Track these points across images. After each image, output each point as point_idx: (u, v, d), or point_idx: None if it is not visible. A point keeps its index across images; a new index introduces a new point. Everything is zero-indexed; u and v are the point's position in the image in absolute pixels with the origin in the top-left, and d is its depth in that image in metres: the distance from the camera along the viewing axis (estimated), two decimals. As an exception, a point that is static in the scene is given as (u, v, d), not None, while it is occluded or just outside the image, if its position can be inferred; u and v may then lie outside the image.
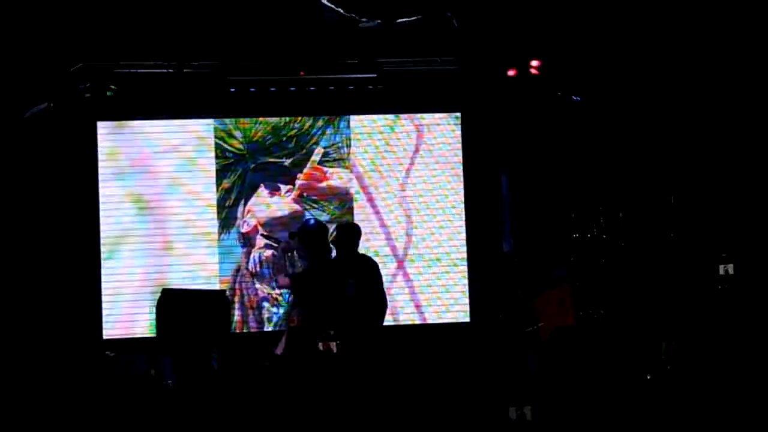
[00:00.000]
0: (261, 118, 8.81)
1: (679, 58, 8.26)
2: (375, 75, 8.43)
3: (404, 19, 5.14)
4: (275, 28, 8.07)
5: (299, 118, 8.87)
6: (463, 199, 8.96)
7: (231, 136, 8.80)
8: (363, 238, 8.81)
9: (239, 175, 8.79)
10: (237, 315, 8.67)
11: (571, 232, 8.87)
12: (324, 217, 8.77)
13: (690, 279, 8.37)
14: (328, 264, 6.77)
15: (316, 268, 6.69)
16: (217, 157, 8.76)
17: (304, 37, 8.22)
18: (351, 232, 6.94)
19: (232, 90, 8.45)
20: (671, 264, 8.52)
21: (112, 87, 8.14)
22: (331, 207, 8.89)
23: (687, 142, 8.57)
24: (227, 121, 8.79)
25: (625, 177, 8.79)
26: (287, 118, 8.85)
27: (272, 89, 8.52)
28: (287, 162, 8.85)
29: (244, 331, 8.67)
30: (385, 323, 8.75)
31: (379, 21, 5.47)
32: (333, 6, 5.15)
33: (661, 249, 8.62)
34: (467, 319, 8.91)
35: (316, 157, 8.88)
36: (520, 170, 8.97)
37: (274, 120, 8.84)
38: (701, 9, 7.89)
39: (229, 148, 8.79)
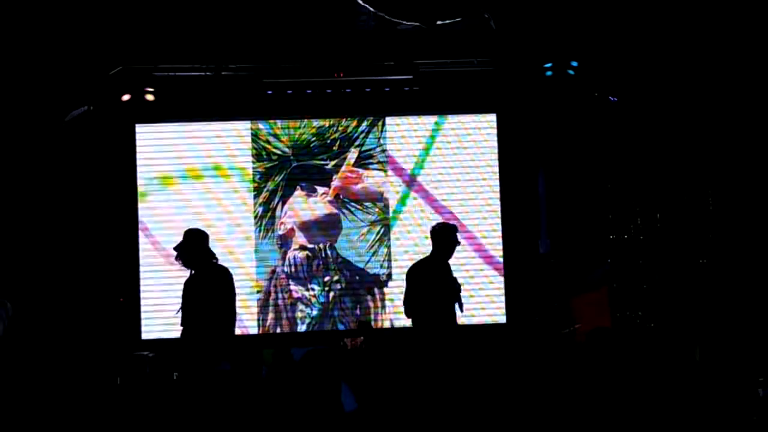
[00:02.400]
0: (306, 120, 8.87)
1: (719, 59, 8.18)
2: (411, 76, 8.45)
3: (444, 21, 5.13)
4: (311, 30, 8.10)
5: (343, 121, 8.91)
6: (499, 199, 8.94)
7: (276, 137, 8.86)
8: (398, 239, 8.93)
9: (282, 176, 8.84)
10: (270, 315, 8.72)
11: (608, 233, 8.82)
12: (366, 218, 8.84)
13: (727, 281, 8.29)
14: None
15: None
16: (258, 159, 8.82)
17: (340, 39, 8.24)
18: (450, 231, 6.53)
19: (269, 92, 8.50)
20: (709, 266, 8.45)
21: (152, 90, 8.23)
22: (368, 208, 8.91)
23: (725, 143, 8.49)
24: (273, 122, 8.84)
25: (662, 178, 8.72)
26: (331, 121, 8.89)
27: (308, 91, 8.56)
28: (330, 164, 8.89)
29: (277, 331, 8.72)
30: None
31: (417, 24, 5.44)
32: (369, 7, 5.13)
33: (698, 250, 8.55)
34: (503, 320, 8.88)
35: (351, 159, 8.91)
36: (557, 171, 8.93)
37: (318, 122, 8.89)
38: (742, 7, 7.80)
39: (273, 150, 8.85)
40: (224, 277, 5.97)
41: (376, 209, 8.92)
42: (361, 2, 5.03)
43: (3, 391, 6.42)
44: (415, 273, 6.41)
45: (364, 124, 8.94)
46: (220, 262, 6.16)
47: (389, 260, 8.85)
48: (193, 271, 6.06)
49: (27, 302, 8.08)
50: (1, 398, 6.35)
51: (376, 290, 8.84)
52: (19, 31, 7.60)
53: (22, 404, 6.54)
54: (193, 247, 5.99)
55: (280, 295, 8.78)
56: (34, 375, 7.42)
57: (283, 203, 8.85)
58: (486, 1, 5.74)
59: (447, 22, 5.21)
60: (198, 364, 5.84)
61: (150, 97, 8.24)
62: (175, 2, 7.52)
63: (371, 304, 8.82)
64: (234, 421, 5.96)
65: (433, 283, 6.25)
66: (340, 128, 8.92)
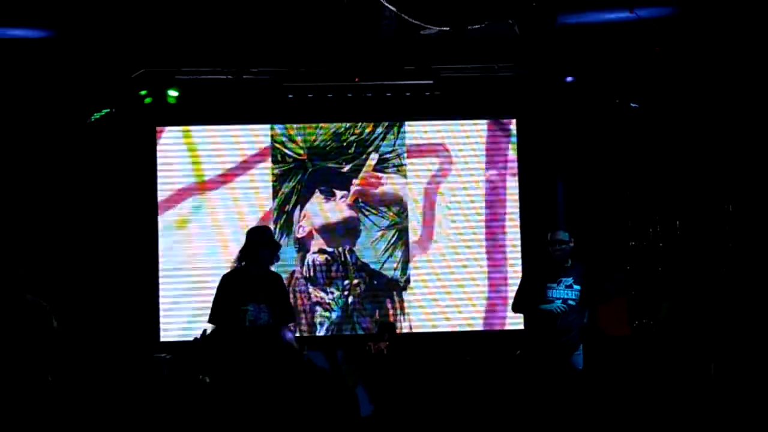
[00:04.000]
0: (322, 124, 8.87)
1: (740, 65, 8.15)
2: (432, 81, 8.45)
3: (473, 26, 5.12)
4: (333, 35, 8.10)
5: (359, 124, 8.92)
6: (518, 205, 8.94)
7: (291, 140, 8.88)
8: (417, 243, 8.92)
9: (298, 179, 8.86)
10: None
11: (626, 240, 8.80)
12: (385, 222, 8.84)
13: (747, 289, 8.25)
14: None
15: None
16: (276, 162, 8.84)
17: (362, 44, 8.25)
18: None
19: (290, 96, 8.53)
20: (728, 274, 8.41)
21: (174, 94, 8.25)
22: (386, 213, 8.91)
23: (746, 150, 8.45)
24: (288, 125, 8.86)
25: (681, 185, 8.70)
26: (347, 124, 8.90)
27: (329, 95, 8.58)
28: (346, 168, 8.90)
29: (296, 335, 8.71)
30: (439, 329, 8.84)
31: (442, 29, 5.42)
32: (394, 9, 5.10)
33: (718, 258, 8.51)
34: (521, 327, 8.85)
35: (371, 162, 8.92)
36: (576, 178, 8.92)
37: (334, 125, 8.89)
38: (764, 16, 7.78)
39: (289, 152, 8.87)
40: (283, 283, 5.93)
41: (395, 213, 8.91)
42: (385, 3, 5.01)
43: (22, 393, 6.44)
44: (531, 271, 6.81)
45: (379, 128, 8.94)
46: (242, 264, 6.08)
47: (407, 265, 8.85)
48: (242, 265, 5.88)
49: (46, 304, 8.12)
50: (20, 399, 6.37)
51: (395, 295, 8.85)
52: (42, 32, 7.64)
53: (40, 405, 6.56)
54: (260, 244, 5.84)
55: (298, 298, 8.79)
56: (53, 376, 7.43)
57: (302, 206, 8.86)
58: (513, 7, 5.73)
59: (475, 26, 5.20)
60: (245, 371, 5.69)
61: (173, 93, 8.25)
62: (196, 6, 7.54)
63: (390, 308, 8.82)
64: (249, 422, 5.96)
65: (539, 284, 6.48)
66: (355, 131, 8.93)
